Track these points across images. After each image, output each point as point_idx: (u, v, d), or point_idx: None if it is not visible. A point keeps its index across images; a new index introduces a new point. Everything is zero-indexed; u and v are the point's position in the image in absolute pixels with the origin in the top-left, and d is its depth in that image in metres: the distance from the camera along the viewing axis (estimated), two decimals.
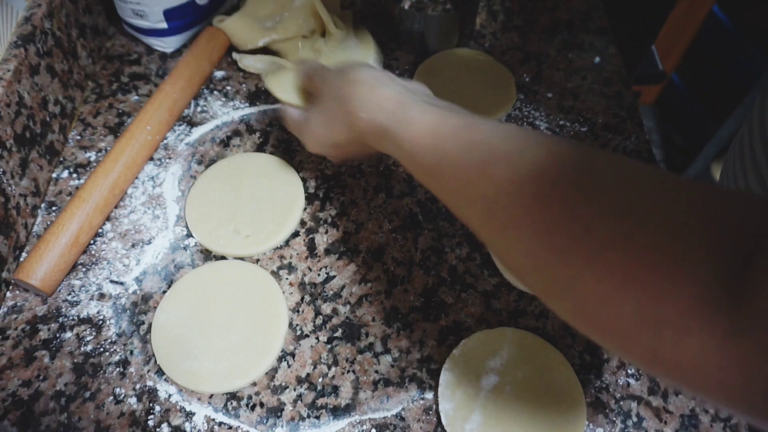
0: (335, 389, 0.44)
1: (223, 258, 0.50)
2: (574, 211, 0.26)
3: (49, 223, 0.52)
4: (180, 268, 0.50)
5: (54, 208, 0.53)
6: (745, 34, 1.33)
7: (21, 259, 0.50)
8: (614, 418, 0.43)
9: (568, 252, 0.26)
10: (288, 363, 0.45)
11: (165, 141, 0.58)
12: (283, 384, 0.44)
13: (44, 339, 0.46)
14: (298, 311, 0.47)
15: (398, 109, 0.38)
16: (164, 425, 0.42)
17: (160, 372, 0.44)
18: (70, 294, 0.48)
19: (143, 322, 0.47)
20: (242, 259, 0.50)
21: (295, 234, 0.52)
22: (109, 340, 0.46)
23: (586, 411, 0.42)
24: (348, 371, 0.45)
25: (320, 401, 0.43)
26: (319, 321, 0.47)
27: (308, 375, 0.44)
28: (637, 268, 0.23)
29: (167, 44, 0.64)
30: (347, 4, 0.68)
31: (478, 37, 0.68)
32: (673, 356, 0.22)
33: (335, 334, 0.46)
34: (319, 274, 0.50)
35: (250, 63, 0.63)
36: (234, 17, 0.64)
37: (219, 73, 0.64)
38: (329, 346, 0.46)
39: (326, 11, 0.60)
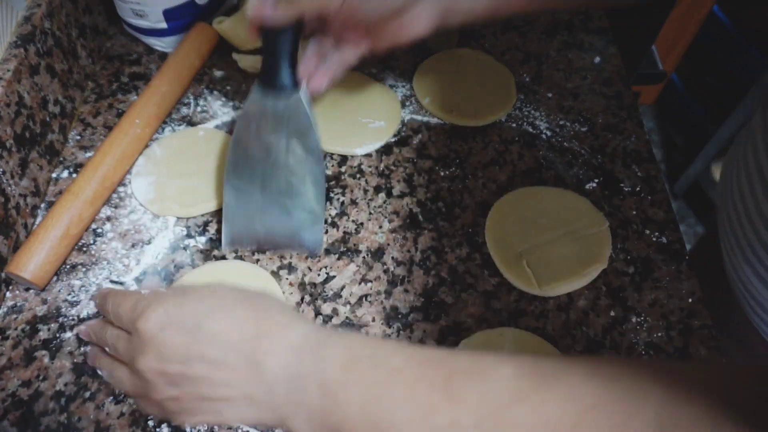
0: None
1: (223, 258, 0.50)
2: None
3: None
4: (180, 268, 0.50)
5: None
6: (745, 35, 1.33)
7: None
8: None
9: None
10: None
11: None
12: None
13: (44, 339, 0.46)
14: (298, 311, 0.47)
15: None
16: (164, 425, 0.42)
17: None
18: (70, 294, 0.48)
19: None
20: (241, 258, 0.50)
21: None
22: None
23: None
24: None
25: None
26: (319, 321, 0.47)
27: None
28: None
29: (167, 44, 0.64)
30: None
31: (478, 37, 0.68)
32: None
33: None
34: (319, 274, 0.50)
35: (249, 63, 0.63)
36: (233, 18, 0.64)
37: (219, 73, 0.64)
38: None
39: None
